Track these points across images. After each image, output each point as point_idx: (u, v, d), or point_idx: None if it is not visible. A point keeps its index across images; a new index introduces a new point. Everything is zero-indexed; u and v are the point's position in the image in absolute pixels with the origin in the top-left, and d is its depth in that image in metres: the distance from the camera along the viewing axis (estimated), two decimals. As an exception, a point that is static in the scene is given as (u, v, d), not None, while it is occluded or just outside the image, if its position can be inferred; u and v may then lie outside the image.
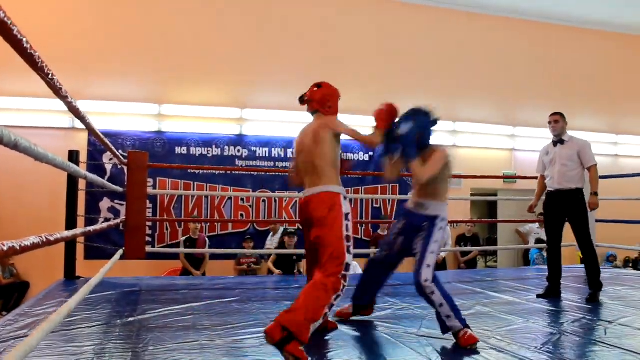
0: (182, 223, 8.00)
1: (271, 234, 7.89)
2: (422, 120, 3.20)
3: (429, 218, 3.11)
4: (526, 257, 9.25)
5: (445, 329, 2.89)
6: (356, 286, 3.41)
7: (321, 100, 3.13)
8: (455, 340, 2.84)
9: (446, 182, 3.20)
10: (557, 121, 4.55)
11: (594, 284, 4.34)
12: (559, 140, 4.54)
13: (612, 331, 3.13)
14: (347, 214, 2.88)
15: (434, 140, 3.25)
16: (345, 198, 2.93)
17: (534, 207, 4.83)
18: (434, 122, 3.23)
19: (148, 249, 5.24)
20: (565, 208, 4.44)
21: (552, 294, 4.38)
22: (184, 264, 7.23)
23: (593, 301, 4.15)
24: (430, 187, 3.11)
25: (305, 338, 2.46)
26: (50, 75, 1.72)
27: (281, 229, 7.80)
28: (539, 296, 4.35)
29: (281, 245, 7.39)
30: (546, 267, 4.61)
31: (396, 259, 3.33)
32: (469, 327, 2.86)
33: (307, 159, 3.00)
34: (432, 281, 2.86)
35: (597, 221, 6.37)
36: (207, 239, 7.59)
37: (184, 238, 7.44)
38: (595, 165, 4.41)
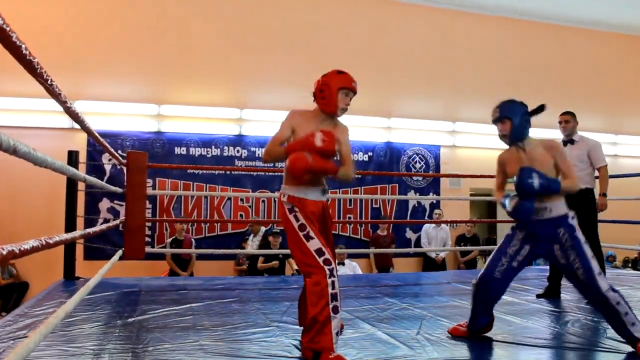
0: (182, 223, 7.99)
1: (252, 235, 7.69)
2: (521, 120, 2.84)
3: (560, 220, 2.79)
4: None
5: (632, 339, 2.66)
6: (472, 315, 3.00)
7: (316, 89, 2.81)
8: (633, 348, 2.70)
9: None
10: (568, 121, 4.51)
11: None
12: (569, 140, 4.51)
13: (612, 331, 3.13)
14: (289, 209, 2.65)
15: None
16: (284, 195, 2.70)
17: None
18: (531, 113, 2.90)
19: (147, 249, 5.25)
20: (575, 208, 4.42)
21: (551, 294, 4.38)
22: (171, 265, 7.19)
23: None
24: None
25: (329, 345, 2.39)
26: (50, 80, 1.73)
27: (262, 230, 7.70)
28: (538, 296, 4.35)
29: (265, 246, 7.33)
30: (548, 266, 4.59)
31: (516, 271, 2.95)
32: None
33: None
34: (612, 289, 2.66)
35: (598, 221, 6.35)
36: (193, 239, 7.52)
37: (170, 239, 7.36)
38: (606, 166, 4.38)
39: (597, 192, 4.53)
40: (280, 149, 2.69)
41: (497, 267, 2.89)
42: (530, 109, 2.88)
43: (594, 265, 2.67)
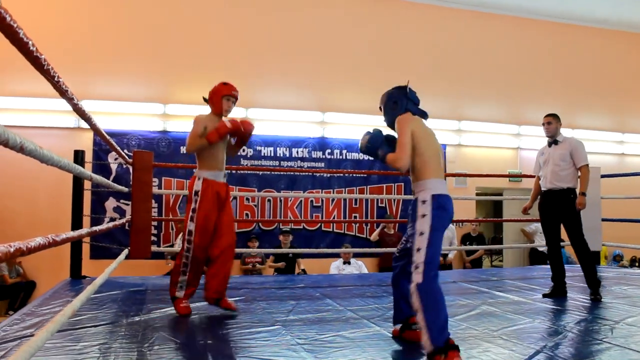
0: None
1: None
2: (389, 99, 3.00)
3: (413, 202, 2.74)
4: (532, 257, 9.22)
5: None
6: None
7: (208, 98, 3.77)
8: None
9: (422, 153, 2.73)
10: (550, 122, 4.60)
11: (592, 283, 4.31)
12: (553, 141, 4.60)
13: (619, 331, 3.12)
14: (196, 191, 3.49)
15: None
16: (199, 178, 3.54)
17: (528, 209, 4.84)
18: (404, 92, 3.01)
19: (153, 248, 5.26)
20: (557, 208, 4.47)
21: (558, 293, 4.38)
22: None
23: (597, 300, 4.15)
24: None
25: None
26: (57, 77, 1.73)
27: None
28: (544, 295, 4.35)
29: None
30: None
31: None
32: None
33: None
34: (420, 288, 2.50)
35: (603, 220, 6.34)
36: None
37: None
38: (587, 165, 4.45)
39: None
40: (202, 140, 3.46)
41: (399, 250, 2.99)
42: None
43: (421, 255, 2.52)
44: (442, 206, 2.64)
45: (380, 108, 3.05)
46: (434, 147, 2.81)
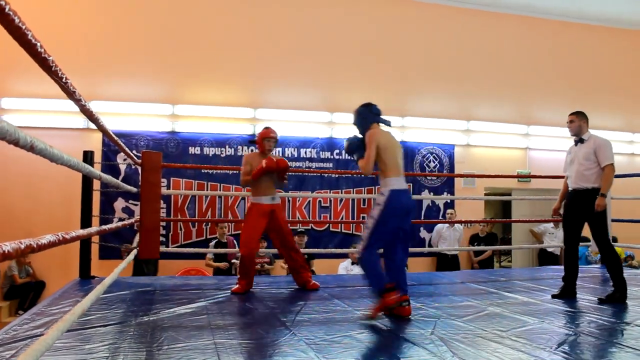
0: (196, 223, 8.04)
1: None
2: (358, 115, 3.74)
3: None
4: (541, 257, 9.18)
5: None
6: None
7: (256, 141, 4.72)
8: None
9: (384, 159, 3.55)
10: (572, 121, 4.50)
11: (618, 284, 4.20)
12: (579, 140, 4.48)
13: (630, 332, 3.09)
14: (247, 210, 4.69)
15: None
16: (249, 202, 4.65)
17: (558, 209, 4.74)
18: (369, 110, 3.71)
19: (162, 249, 5.27)
20: (582, 208, 4.36)
21: (567, 294, 4.34)
22: (212, 266, 7.25)
23: (609, 301, 4.10)
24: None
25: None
26: (64, 78, 1.74)
27: None
28: (554, 296, 4.31)
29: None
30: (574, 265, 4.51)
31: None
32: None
33: None
34: (364, 258, 3.50)
35: (613, 220, 6.28)
36: (235, 241, 7.53)
37: (214, 242, 7.41)
38: (611, 165, 4.26)
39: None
40: (248, 177, 4.50)
41: None
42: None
43: (365, 233, 3.48)
44: (396, 198, 3.48)
45: (353, 123, 3.76)
46: (394, 153, 3.59)
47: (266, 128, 4.65)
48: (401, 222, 3.53)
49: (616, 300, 4.12)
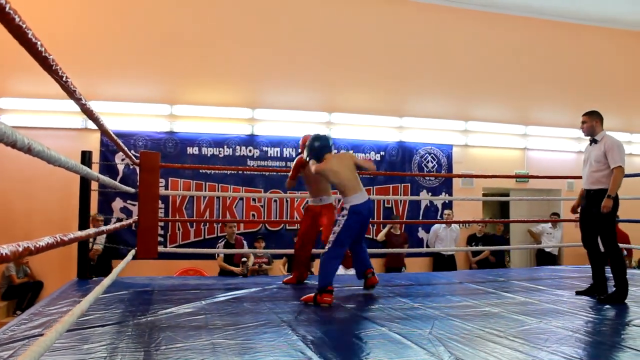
0: (194, 223, 8.03)
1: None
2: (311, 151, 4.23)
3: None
4: (539, 257, 9.19)
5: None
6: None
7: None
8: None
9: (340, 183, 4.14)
10: (584, 122, 4.46)
11: (619, 285, 4.19)
12: (592, 140, 4.45)
13: (629, 333, 3.10)
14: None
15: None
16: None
17: (576, 208, 4.69)
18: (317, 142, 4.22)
19: (160, 249, 5.27)
20: (591, 209, 4.35)
21: (593, 291, 4.33)
22: (223, 267, 7.08)
23: (609, 301, 4.10)
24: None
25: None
26: (65, 77, 1.74)
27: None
28: (578, 293, 4.35)
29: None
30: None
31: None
32: None
33: None
34: (326, 259, 4.04)
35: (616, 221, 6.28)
36: (244, 241, 7.42)
37: (222, 242, 7.28)
38: (619, 167, 4.20)
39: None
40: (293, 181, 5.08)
41: None
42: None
43: (331, 238, 4.04)
44: (356, 212, 4.05)
45: (306, 157, 4.31)
46: (347, 175, 4.12)
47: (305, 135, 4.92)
48: (361, 228, 4.24)
49: (616, 300, 4.13)
